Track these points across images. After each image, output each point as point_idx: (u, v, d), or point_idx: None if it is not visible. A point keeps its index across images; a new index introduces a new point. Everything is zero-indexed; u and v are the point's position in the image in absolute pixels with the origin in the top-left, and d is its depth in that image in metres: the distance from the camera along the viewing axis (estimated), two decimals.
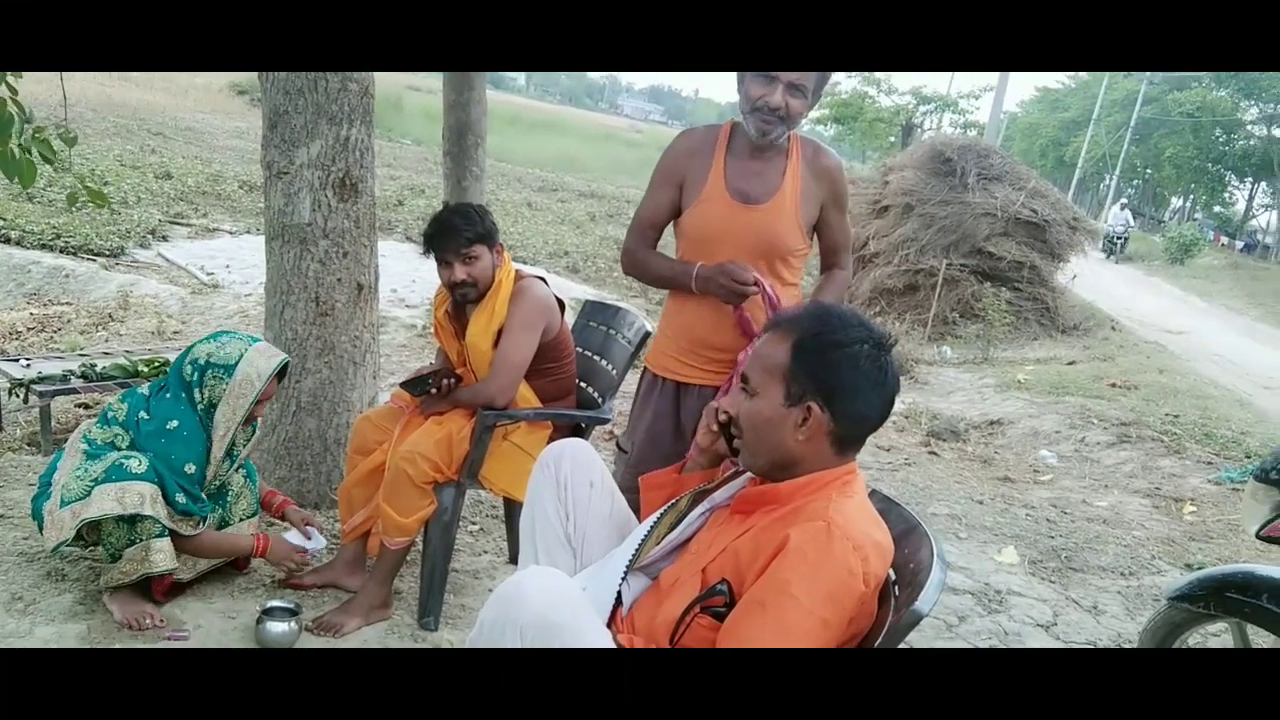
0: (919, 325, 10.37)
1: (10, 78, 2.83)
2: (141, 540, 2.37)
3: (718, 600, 1.43)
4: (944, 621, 3.21)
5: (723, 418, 1.68)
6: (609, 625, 1.58)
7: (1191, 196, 50.44)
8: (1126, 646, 3.14)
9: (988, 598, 3.44)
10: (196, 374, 2.53)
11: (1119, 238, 23.69)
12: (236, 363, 2.54)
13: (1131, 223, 24.89)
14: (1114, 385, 7.47)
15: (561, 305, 2.84)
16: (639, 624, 1.57)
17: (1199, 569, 3.10)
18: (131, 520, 2.34)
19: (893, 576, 1.51)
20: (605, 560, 1.69)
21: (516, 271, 2.78)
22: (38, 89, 3.81)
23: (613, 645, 1.44)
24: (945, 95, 31.04)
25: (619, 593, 1.62)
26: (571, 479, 1.81)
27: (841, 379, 1.49)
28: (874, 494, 1.69)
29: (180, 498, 2.45)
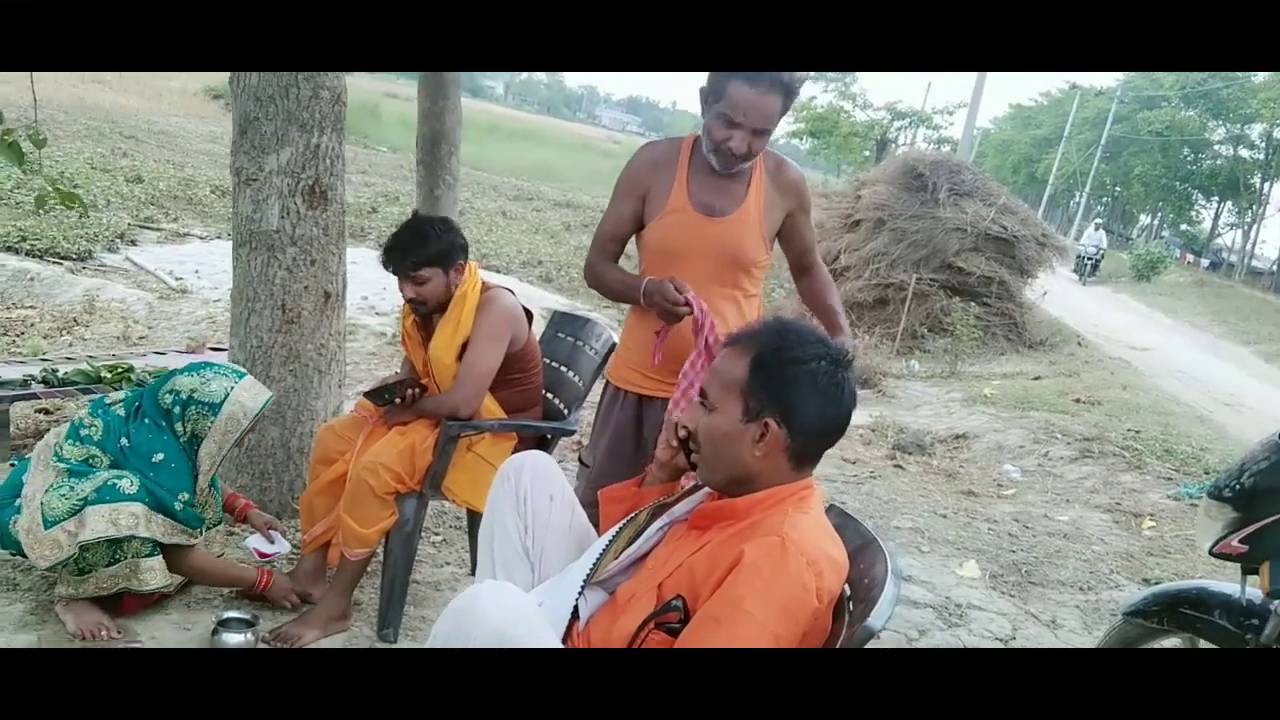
0: (888, 339, 10.44)
1: None
2: (126, 559, 2.35)
3: (672, 616, 1.43)
4: (904, 635, 3.24)
5: (682, 433, 1.69)
6: (565, 640, 1.59)
7: (1159, 214, 51.27)
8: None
9: (948, 611, 3.47)
10: (178, 407, 2.51)
11: (1090, 258, 22.56)
12: (222, 401, 2.53)
13: (1104, 244, 23.35)
14: (1078, 401, 7.56)
15: (529, 316, 2.84)
16: (595, 639, 1.57)
17: (1156, 584, 3.14)
18: (118, 540, 2.32)
19: (848, 592, 1.52)
20: (563, 574, 1.69)
21: (483, 282, 2.78)
22: (7, 89, 3.77)
23: None
24: (920, 110, 31.36)
25: (575, 607, 1.62)
26: (531, 492, 1.80)
27: (799, 396, 1.50)
28: (831, 509, 1.70)
29: (179, 506, 2.44)
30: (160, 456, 2.47)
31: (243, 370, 2.69)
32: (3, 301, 6.93)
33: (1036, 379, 9.09)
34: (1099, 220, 25.23)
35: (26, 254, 7.73)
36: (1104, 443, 6.16)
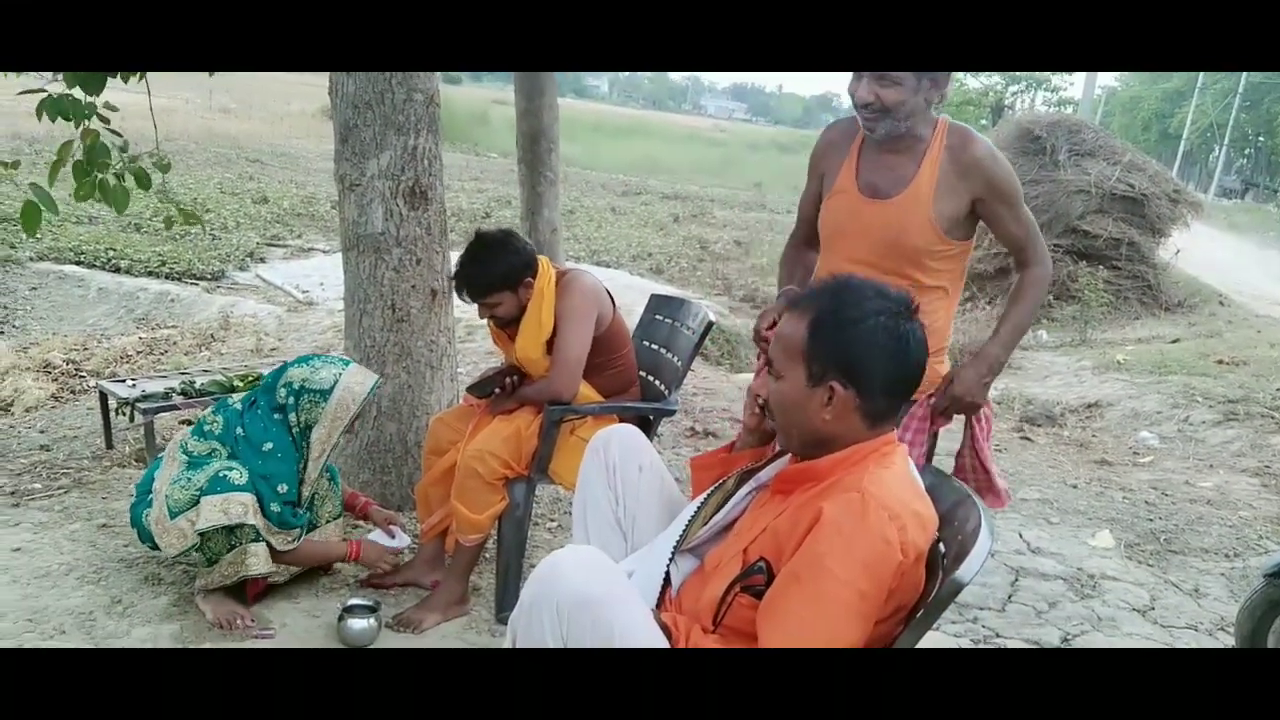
0: None
1: (103, 109, 2.99)
2: (240, 545, 2.49)
3: (757, 579, 1.42)
4: (1033, 608, 3.12)
5: (760, 400, 1.67)
6: (658, 606, 1.60)
7: None
8: (1229, 629, 3.00)
9: (1080, 583, 3.33)
10: (292, 397, 2.64)
11: None
12: (332, 388, 2.64)
13: None
14: (1221, 362, 7.13)
15: (611, 298, 2.86)
16: (685, 605, 1.58)
17: None
18: (232, 527, 2.46)
19: (943, 549, 1.48)
20: (654, 542, 1.71)
21: (556, 270, 2.80)
22: (143, 124, 4.00)
23: (652, 620, 1.45)
24: (1036, 73, 30.11)
25: (668, 574, 1.63)
26: (621, 463, 1.82)
27: (861, 356, 1.48)
28: (926, 468, 1.67)
29: (275, 507, 2.57)
30: (269, 446, 2.61)
31: (349, 359, 2.80)
32: (148, 323, 7.40)
33: (1174, 342, 8.62)
34: None
35: (166, 277, 8.25)
36: (1250, 404, 5.79)
